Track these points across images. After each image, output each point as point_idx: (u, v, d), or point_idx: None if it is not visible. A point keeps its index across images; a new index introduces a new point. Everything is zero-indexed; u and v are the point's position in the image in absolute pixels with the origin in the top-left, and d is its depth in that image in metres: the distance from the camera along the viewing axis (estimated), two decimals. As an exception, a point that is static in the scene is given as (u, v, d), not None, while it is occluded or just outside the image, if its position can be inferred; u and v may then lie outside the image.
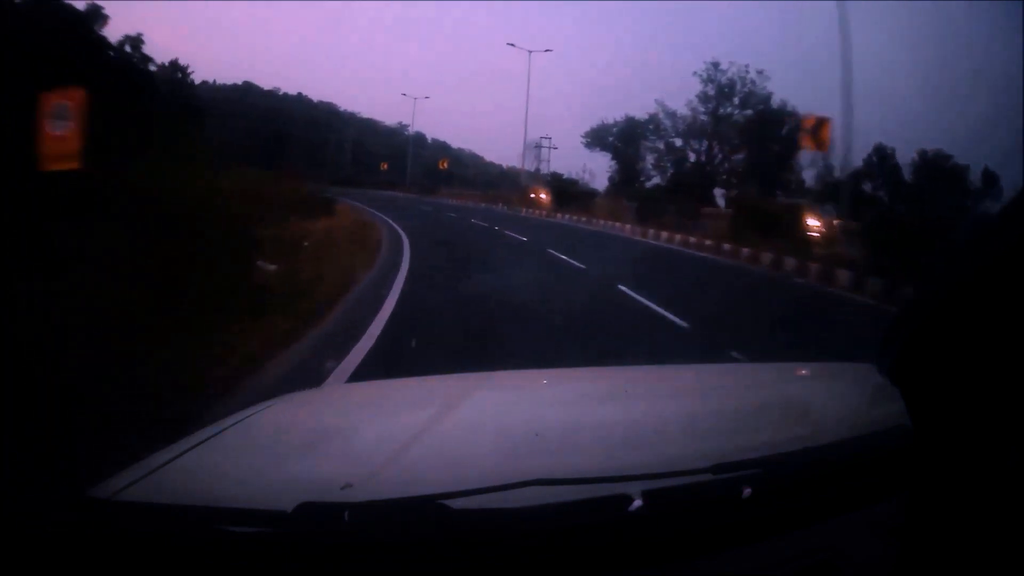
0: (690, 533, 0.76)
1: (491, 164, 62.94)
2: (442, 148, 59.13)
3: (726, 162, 29.12)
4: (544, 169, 39.01)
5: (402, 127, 58.57)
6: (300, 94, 62.46)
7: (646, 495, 0.75)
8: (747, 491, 0.79)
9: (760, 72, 27.65)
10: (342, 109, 60.03)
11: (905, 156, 23.91)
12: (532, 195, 31.50)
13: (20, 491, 0.88)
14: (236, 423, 1.12)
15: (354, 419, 1.34)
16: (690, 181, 27.42)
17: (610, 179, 33.38)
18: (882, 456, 0.89)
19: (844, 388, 1.46)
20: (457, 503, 0.70)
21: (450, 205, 32.48)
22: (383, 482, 0.84)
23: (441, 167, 48.79)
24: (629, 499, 0.75)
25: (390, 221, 17.20)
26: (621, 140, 33.11)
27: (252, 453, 1.06)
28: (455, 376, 2.09)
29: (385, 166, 51.31)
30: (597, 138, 34.21)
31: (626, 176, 32.21)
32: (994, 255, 0.65)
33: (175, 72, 28.77)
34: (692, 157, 29.77)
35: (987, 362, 0.68)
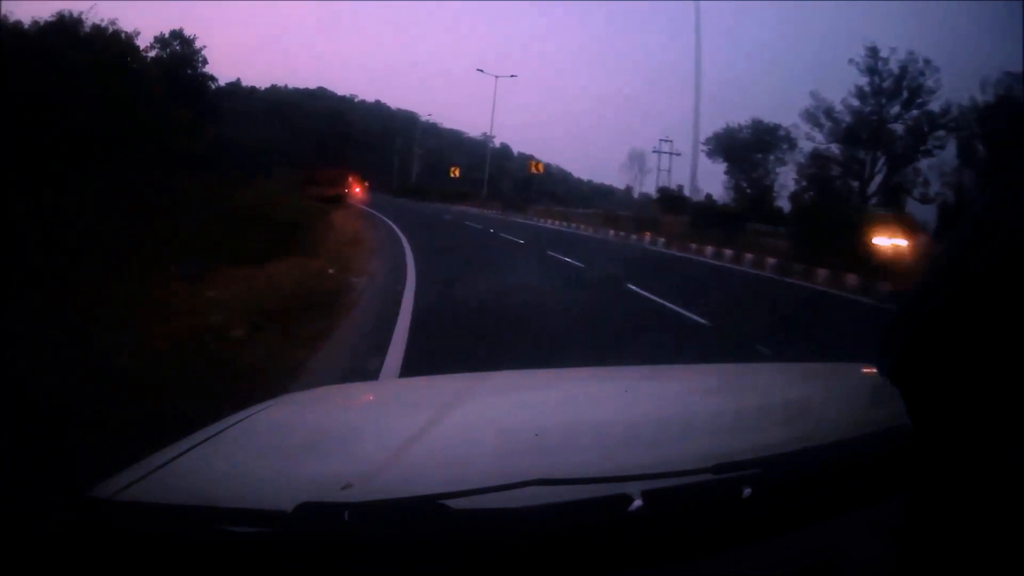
0: (690, 533, 0.76)
1: (580, 180, 56.95)
2: (526, 159, 52.68)
3: (895, 174, 21.22)
4: (653, 183, 31.48)
5: (487, 138, 53.02)
6: (378, 101, 60.71)
7: (646, 495, 0.75)
8: (747, 491, 0.79)
9: (927, 62, 20.29)
10: (423, 119, 55.74)
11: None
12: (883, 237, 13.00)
13: (20, 491, 0.88)
14: (236, 423, 1.12)
15: (354, 419, 1.34)
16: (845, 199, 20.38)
17: (706, 196, 26.83)
18: (882, 456, 0.89)
19: (844, 388, 1.46)
20: (457, 503, 0.70)
21: (551, 232, 20.89)
22: (383, 482, 0.84)
23: (535, 170, 37.80)
24: (629, 499, 0.75)
25: (407, 294, 6.68)
26: (747, 148, 26.60)
27: (252, 453, 1.06)
28: (455, 376, 2.09)
29: (456, 172, 43.17)
30: (722, 145, 27.17)
31: (754, 191, 25.50)
32: (995, 254, 0.65)
33: (181, 45, 24.50)
34: (836, 168, 22.36)
35: (987, 362, 0.68)
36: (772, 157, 26.50)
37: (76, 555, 0.65)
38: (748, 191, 26.15)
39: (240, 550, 0.68)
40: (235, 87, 49.66)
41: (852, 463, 0.91)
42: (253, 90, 51.26)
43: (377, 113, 57.22)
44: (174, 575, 0.66)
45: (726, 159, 27.18)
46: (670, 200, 27.63)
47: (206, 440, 1.02)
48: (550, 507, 0.73)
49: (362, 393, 1.75)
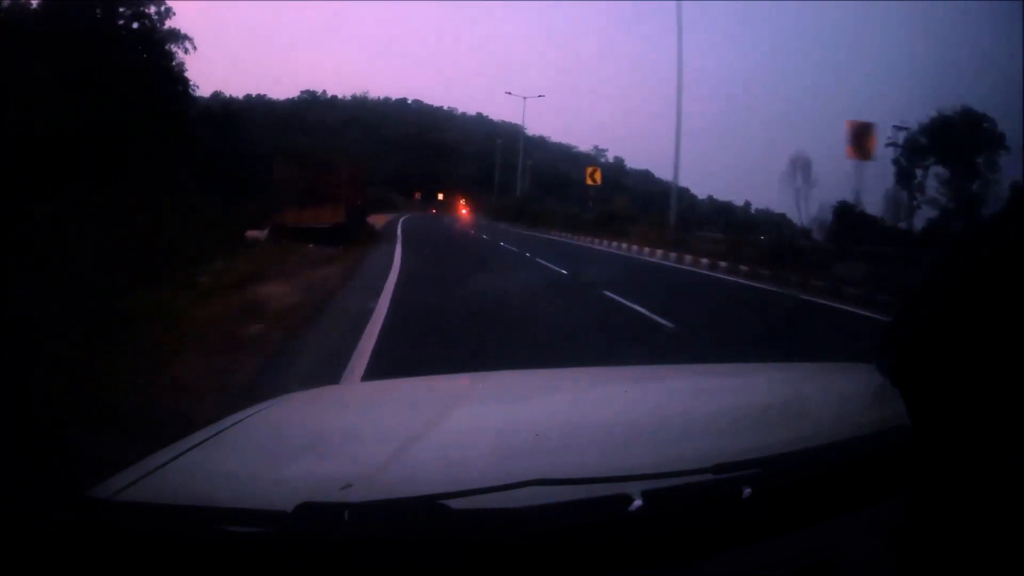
0: (690, 533, 0.76)
1: (695, 197, 44.75)
2: (644, 177, 45.06)
3: None
4: (817, 197, 20.71)
5: (599, 152, 47.53)
6: (479, 114, 56.82)
7: (646, 495, 0.75)
8: (747, 491, 0.79)
9: None
10: (529, 133, 47.97)
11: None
12: None
13: (20, 491, 0.88)
14: (236, 423, 1.12)
15: (354, 419, 1.34)
16: None
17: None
18: (882, 456, 0.89)
19: (844, 388, 1.46)
20: (457, 503, 0.70)
21: None
22: (383, 482, 0.84)
23: (864, 152, 17.65)
24: (629, 499, 0.75)
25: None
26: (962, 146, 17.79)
27: (252, 453, 1.06)
28: (455, 376, 2.10)
29: (597, 176, 24.58)
30: (936, 141, 18.53)
31: (962, 203, 17.19)
32: (995, 254, 0.65)
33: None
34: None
35: (987, 362, 0.68)
36: (980, 160, 17.85)
37: (76, 555, 0.65)
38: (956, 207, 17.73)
39: (240, 550, 0.68)
40: (313, 97, 47.51)
41: (852, 463, 0.91)
42: (335, 100, 48.77)
43: (478, 126, 52.99)
44: (174, 575, 0.66)
45: (942, 162, 18.12)
46: (854, 224, 17.06)
47: (206, 440, 1.02)
48: (550, 507, 0.73)
49: (362, 393, 1.76)
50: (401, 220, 26.45)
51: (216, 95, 37.12)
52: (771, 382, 1.65)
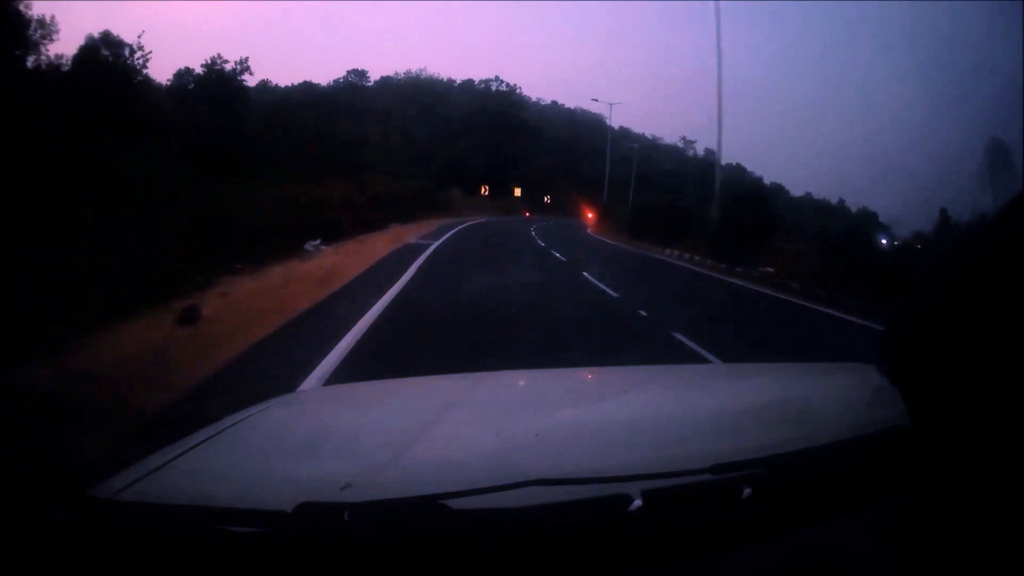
0: (690, 533, 0.76)
1: (788, 195, 34.04)
2: (738, 173, 34.61)
3: None
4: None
5: (688, 143, 41.75)
6: (555, 102, 51.48)
7: (646, 495, 0.75)
8: (747, 491, 0.79)
9: None
10: (609, 123, 41.67)
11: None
12: None
13: (20, 491, 0.88)
14: (235, 423, 1.12)
15: (354, 419, 1.34)
16: None
17: None
18: (882, 456, 0.89)
19: (844, 388, 1.46)
20: (457, 503, 0.70)
21: None
22: (383, 482, 0.84)
23: None
24: (629, 499, 0.75)
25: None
26: None
27: (252, 453, 1.06)
28: (455, 376, 2.10)
29: None
30: None
31: None
32: (994, 254, 0.65)
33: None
34: None
35: (987, 362, 0.68)
36: None
37: (76, 555, 0.65)
38: None
39: (240, 550, 0.68)
40: (361, 76, 42.49)
41: (852, 463, 0.91)
42: (386, 80, 43.83)
43: (554, 114, 47.93)
44: (174, 575, 0.66)
45: None
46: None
47: (206, 440, 1.02)
48: (550, 507, 0.73)
49: (362, 393, 1.75)
50: (430, 250, 12.92)
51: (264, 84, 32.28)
52: (771, 382, 1.65)
